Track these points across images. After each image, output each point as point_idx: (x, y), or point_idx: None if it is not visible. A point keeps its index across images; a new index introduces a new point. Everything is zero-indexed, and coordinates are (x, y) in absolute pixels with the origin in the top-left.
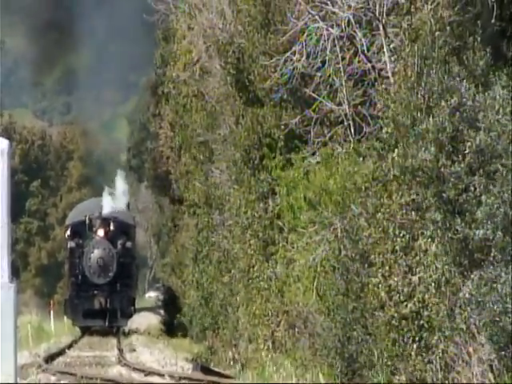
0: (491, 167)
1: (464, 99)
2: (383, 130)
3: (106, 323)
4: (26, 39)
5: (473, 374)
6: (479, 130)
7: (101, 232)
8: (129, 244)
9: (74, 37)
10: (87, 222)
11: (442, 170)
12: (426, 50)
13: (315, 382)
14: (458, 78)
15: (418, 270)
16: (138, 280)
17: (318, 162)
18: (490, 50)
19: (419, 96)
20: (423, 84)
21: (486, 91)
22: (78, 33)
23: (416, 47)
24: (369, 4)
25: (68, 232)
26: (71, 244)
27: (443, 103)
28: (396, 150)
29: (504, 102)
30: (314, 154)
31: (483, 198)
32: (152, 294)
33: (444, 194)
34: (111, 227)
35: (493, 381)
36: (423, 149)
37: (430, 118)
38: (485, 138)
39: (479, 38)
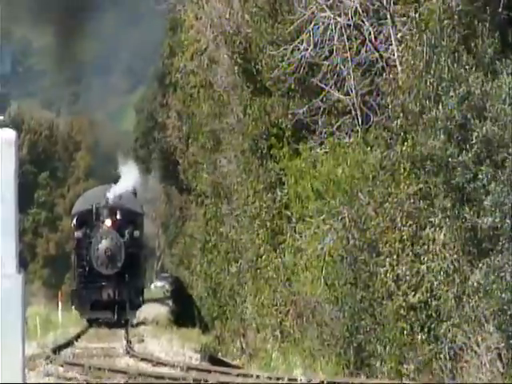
0: (498, 156)
1: (472, 88)
2: (391, 119)
3: (115, 316)
4: (33, 29)
5: (481, 362)
6: (486, 120)
7: (108, 221)
8: (136, 233)
9: (82, 26)
10: (94, 211)
11: (450, 159)
12: (435, 38)
13: (323, 371)
14: (466, 67)
15: (425, 258)
16: (146, 270)
17: (325, 152)
18: (498, 39)
19: (428, 84)
20: (432, 72)
21: (494, 79)
22: (86, 22)
23: (425, 36)
24: None
25: (74, 221)
26: (78, 234)
27: (451, 92)
28: (404, 138)
29: (511, 91)
30: (321, 144)
31: (491, 186)
32: (158, 284)
33: (452, 182)
34: (118, 216)
35: (501, 369)
36: (432, 137)
37: (440, 107)
38: (492, 127)
39: (487, 27)
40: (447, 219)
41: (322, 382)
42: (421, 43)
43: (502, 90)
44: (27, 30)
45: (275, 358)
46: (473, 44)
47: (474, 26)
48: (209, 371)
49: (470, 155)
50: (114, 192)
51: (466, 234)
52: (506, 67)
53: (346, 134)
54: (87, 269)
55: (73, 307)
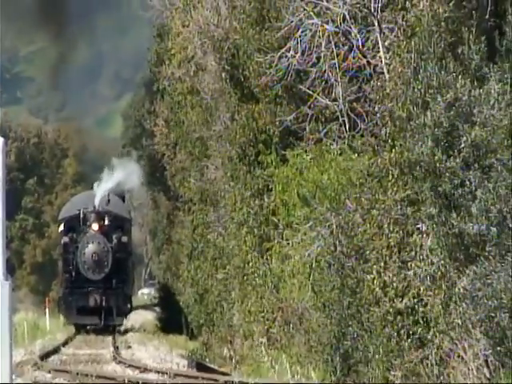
0: (486, 162)
1: (460, 94)
2: (379, 126)
3: (102, 322)
4: (20, 36)
5: (468, 368)
6: (474, 125)
7: (95, 226)
8: (124, 238)
9: (69, 33)
10: (81, 216)
11: (438, 164)
12: (423, 45)
13: (310, 377)
14: (453, 73)
15: (412, 265)
16: (135, 277)
17: (312, 159)
18: (485, 46)
19: (415, 91)
20: (420, 79)
21: (481, 86)
22: (73, 29)
23: (413, 42)
24: (364, 0)
25: (61, 227)
26: (65, 239)
27: (439, 98)
28: (392, 145)
29: (499, 96)
30: (308, 150)
31: (478, 193)
32: (145, 291)
33: (440, 189)
34: (106, 221)
35: (488, 376)
36: (420, 143)
37: (428, 113)
38: (480, 132)
39: (474, 34)
40: (434, 225)
41: None
42: (408, 50)
43: (489, 95)
44: (15, 37)
45: (262, 365)
46: (460, 50)
47: (462, 33)
48: (196, 377)
49: (457, 161)
50: (101, 197)
51: (453, 240)
52: (494, 73)
53: (334, 140)
54: (74, 274)
55: (60, 313)
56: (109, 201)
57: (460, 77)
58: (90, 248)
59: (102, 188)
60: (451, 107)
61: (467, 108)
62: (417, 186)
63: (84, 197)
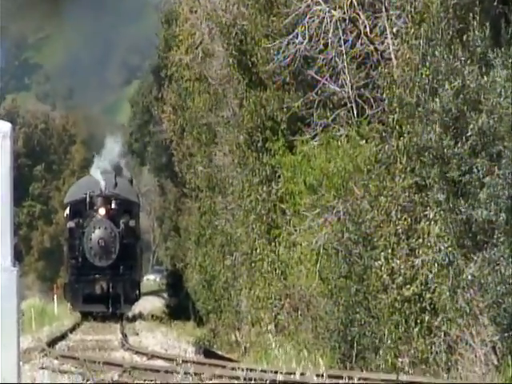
0: (494, 149)
1: (468, 81)
2: (387, 112)
3: (109, 309)
4: (27, 22)
5: (476, 355)
6: (482, 113)
7: (102, 210)
8: (132, 223)
9: (76, 19)
10: (87, 199)
11: (446, 151)
12: (431, 31)
13: (318, 364)
14: (461, 60)
15: (420, 252)
16: (142, 262)
17: (319, 145)
18: (491, 32)
19: (423, 77)
20: (427, 65)
21: (488, 73)
22: (80, 15)
23: (422, 29)
24: None
25: (67, 211)
26: (70, 224)
27: (447, 85)
28: (400, 132)
29: (506, 83)
30: (314, 137)
31: (486, 179)
32: (151, 277)
33: (448, 175)
34: (113, 205)
35: (496, 362)
36: (428, 129)
37: (436, 99)
38: (487, 120)
39: (481, 20)
40: (442, 212)
41: (322, 374)
42: (416, 37)
43: (496, 83)
44: (22, 24)
45: (270, 352)
46: (468, 37)
47: (469, 20)
48: (203, 364)
49: (465, 147)
50: (108, 180)
51: (460, 226)
52: (504, 60)
53: (342, 126)
54: (80, 260)
55: (66, 300)
56: (116, 184)
57: (468, 63)
58: (97, 234)
59: (109, 173)
60: (459, 94)
61: (475, 95)
62: (425, 172)
63: (91, 180)
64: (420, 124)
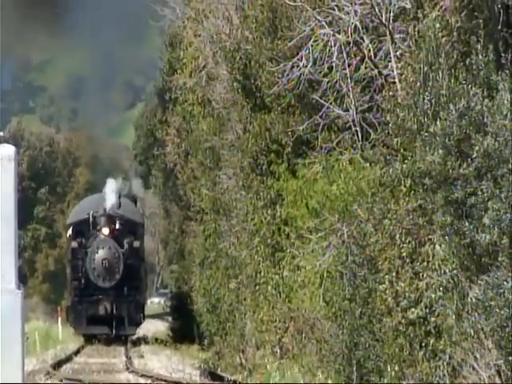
0: (499, 172)
1: (472, 104)
2: (391, 136)
3: (113, 331)
4: (31, 45)
5: (480, 379)
6: (486, 135)
7: (106, 230)
8: (136, 243)
9: (80, 42)
10: (91, 219)
11: (450, 172)
12: (432, 55)
13: None
14: (464, 83)
15: (424, 275)
16: (147, 284)
17: (323, 168)
18: (495, 56)
19: (425, 101)
20: (429, 89)
21: (491, 96)
22: (84, 38)
23: (422, 53)
24: (375, 10)
25: (70, 231)
26: (73, 244)
27: (451, 107)
28: (404, 155)
29: (510, 106)
30: (314, 162)
31: (490, 203)
32: (155, 300)
33: (452, 196)
34: (117, 225)
35: None
36: (431, 152)
37: (438, 122)
38: (492, 142)
39: (485, 44)
40: (446, 235)
41: None
42: (418, 60)
43: (502, 106)
44: (27, 45)
45: (274, 374)
46: (468, 61)
47: (473, 43)
48: None
49: (470, 169)
50: (112, 200)
51: (465, 249)
52: (503, 82)
53: (346, 150)
54: (83, 281)
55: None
56: (120, 204)
57: (470, 86)
58: (100, 254)
59: (112, 190)
60: (463, 117)
61: (479, 118)
62: (429, 196)
63: (94, 199)
64: (423, 148)
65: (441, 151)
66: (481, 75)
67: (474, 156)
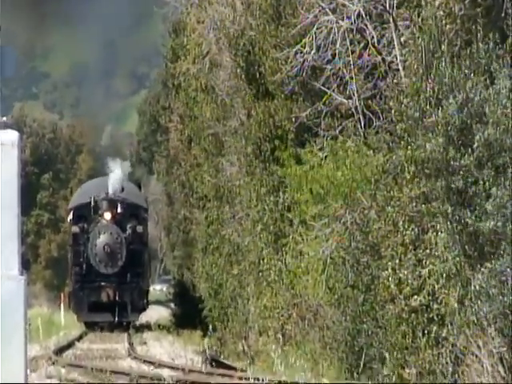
0: (500, 160)
1: (472, 94)
2: (394, 123)
3: (115, 318)
4: (34, 32)
5: (483, 366)
6: (487, 124)
7: (108, 215)
8: (139, 228)
9: (84, 29)
10: (92, 203)
11: (452, 162)
12: (434, 43)
13: (325, 374)
14: (466, 71)
15: (427, 262)
16: (151, 270)
17: (327, 156)
18: (496, 44)
19: (428, 89)
20: (432, 77)
21: (493, 84)
22: (88, 24)
23: (424, 40)
24: None
25: (71, 216)
26: (75, 229)
27: (451, 99)
28: (407, 142)
29: (511, 94)
30: (320, 149)
31: (493, 190)
32: (157, 287)
33: (453, 185)
34: (119, 209)
35: (503, 374)
36: (432, 140)
37: (439, 112)
38: (493, 131)
39: (488, 32)
40: (448, 223)
41: None
42: (419, 49)
43: (501, 94)
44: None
45: (277, 361)
46: (469, 50)
47: (476, 31)
48: (210, 374)
49: (471, 159)
50: (114, 183)
51: (467, 237)
52: (501, 70)
53: (349, 137)
54: (84, 267)
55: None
56: (123, 188)
57: (472, 75)
58: (102, 239)
59: (115, 174)
60: (463, 107)
61: (480, 108)
62: (430, 184)
63: (96, 183)
64: (424, 136)
65: (440, 140)
66: (482, 63)
67: (475, 146)
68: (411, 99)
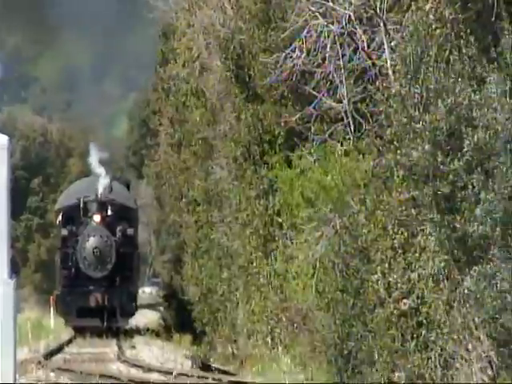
0: (490, 164)
1: (460, 98)
2: (384, 127)
3: (104, 323)
4: (24, 35)
5: (472, 370)
6: (477, 128)
7: (97, 217)
8: (130, 231)
9: (73, 32)
10: (81, 205)
11: (441, 167)
12: (423, 47)
13: (314, 378)
14: (455, 76)
15: (416, 266)
16: (140, 273)
17: (316, 159)
18: (484, 48)
19: (416, 94)
20: (420, 82)
21: (482, 89)
22: (77, 28)
23: (413, 45)
24: (369, 1)
25: (59, 218)
26: (63, 232)
27: (440, 103)
28: (397, 146)
29: (500, 98)
30: (310, 153)
31: (482, 194)
32: (146, 290)
33: (440, 191)
34: (109, 211)
35: (492, 377)
36: (419, 147)
37: (426, 116)
38: (483, 135)
39: (478, 36)
40: (437, 228)
41: None
42: (407, 53)
43: (491, 98)
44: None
45: (266, 364)
46: (460, 54)
47: (467, 35)
48: (200, 377)
49: (460, 163)
50: (103, 184)
51: (456, 242)
52: (488, 74)
53: (338, 141)
54: (73, 271)
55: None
56: (111, 189)
57: (460, 80)
58: (91, 242)
59: (105, 177)
60: (452, 111)
61: (469, 111)
62: (420, 188)
63: (84, 183)
64: (412, 142)
65: (427, 146)
66: (471, 67)
67: (465, 150)
68: (399, 104)
